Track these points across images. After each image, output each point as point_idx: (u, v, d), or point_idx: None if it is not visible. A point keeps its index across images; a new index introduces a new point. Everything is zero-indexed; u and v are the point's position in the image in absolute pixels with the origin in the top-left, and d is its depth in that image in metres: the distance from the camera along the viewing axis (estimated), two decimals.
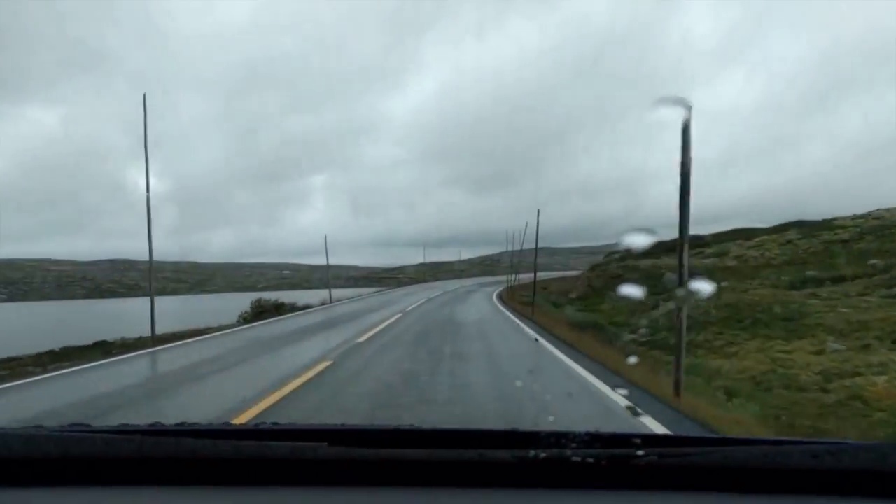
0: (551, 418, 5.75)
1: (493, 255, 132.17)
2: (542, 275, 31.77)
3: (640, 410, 6.64)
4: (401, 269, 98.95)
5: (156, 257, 18.32)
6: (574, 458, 1.13)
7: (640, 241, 2.07)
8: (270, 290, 56.50)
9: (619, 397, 7.54)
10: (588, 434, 1.21)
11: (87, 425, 1.45)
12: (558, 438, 1.19)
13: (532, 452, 1.14)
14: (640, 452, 1.13)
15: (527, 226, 35.64)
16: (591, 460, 1.13)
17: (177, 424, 1.50)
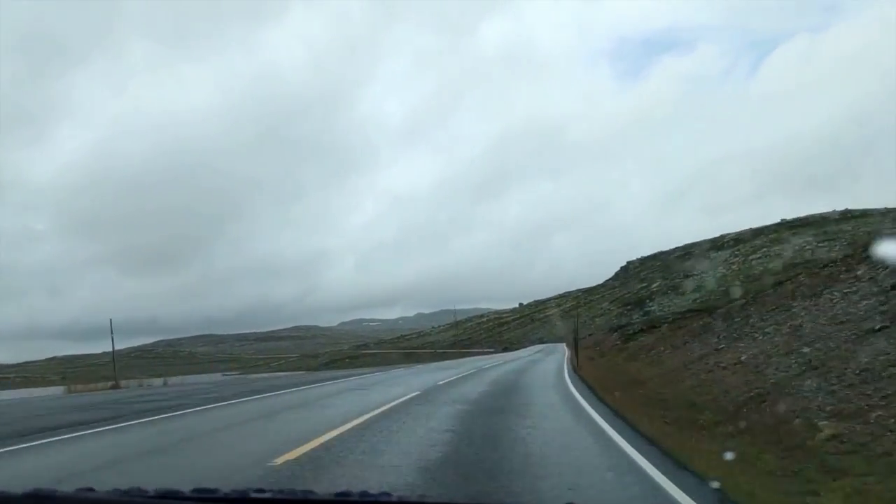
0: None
1: (146, 345, 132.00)
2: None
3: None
4: (24, 364, 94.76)
5: None
6: None
7: None
8: None
9: None
10: None
11: (91, 489, 1.45)
12: None
13: None
14: None
15: None
16: None
17: (194, 490, 1.49)
